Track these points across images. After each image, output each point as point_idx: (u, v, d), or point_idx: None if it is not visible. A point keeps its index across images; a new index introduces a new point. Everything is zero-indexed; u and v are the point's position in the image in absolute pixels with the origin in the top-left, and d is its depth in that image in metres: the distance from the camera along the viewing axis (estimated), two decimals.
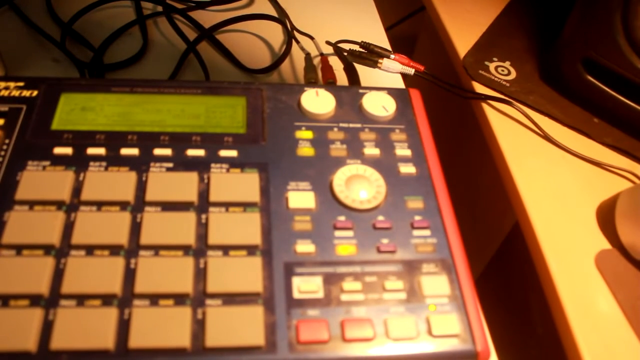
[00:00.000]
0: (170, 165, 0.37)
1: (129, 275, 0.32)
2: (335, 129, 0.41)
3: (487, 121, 0.54)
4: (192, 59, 0.56)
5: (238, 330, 0.31)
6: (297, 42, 0.58)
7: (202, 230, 0.35)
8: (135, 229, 0.34)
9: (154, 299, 0.32)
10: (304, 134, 0.41)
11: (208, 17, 0.60)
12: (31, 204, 0.34)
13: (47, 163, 0.36)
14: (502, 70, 0.59)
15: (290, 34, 0.59)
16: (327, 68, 0.54)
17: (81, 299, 0.31)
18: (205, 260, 0.33)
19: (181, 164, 0.38)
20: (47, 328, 0.30)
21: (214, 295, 0.32)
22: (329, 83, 0.52)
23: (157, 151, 0.38)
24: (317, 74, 0.54)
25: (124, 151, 0.38)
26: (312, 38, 0.59)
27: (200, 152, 0.38)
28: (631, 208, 0.44)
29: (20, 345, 0.29)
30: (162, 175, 0.37)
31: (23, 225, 0.33)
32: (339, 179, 0.38)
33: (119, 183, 0.36)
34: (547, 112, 0.55)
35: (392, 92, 0.44)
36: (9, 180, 0.35)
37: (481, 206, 0.72)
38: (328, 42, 0.58)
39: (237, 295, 0.32)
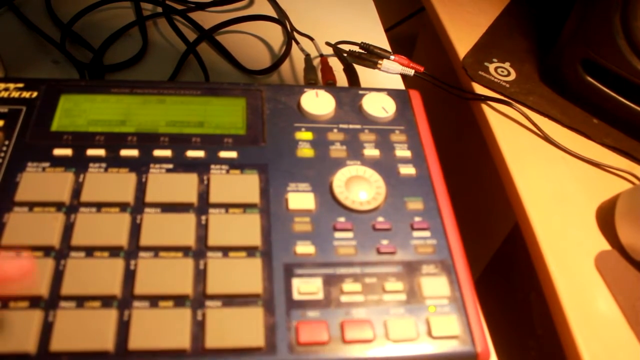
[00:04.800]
0: (170, 166, 0.37)
1: (129, 277, 0.32)
2: (335, 130, 0.41)
3: (487, 122, 0.55)
4: (191, 60, 0.56)
5: (238, 331, 0.31)
6: (297, 43, 0.58)
7: (202, 231, 0.35)
8: (135, 230, 0.34)
9: (154, 300, 0.32)
10: (304, 135, 0.41)
11: (208, 18, 0.61)
12: (31, 205, 0.34)
13: (46, 164, 0.36)
14: (502, 71, 0.59)
15: (290, 35, 0.59)
16: (327, 69, 0.54)
17: (81, 301, 0.31)
18: (205, 262, 0.33)
19: (181, 165, 0.38)
20: (46, 329, 0.30)
21: (213, 297, 0.32)
22: (329, 84, 0.52)
23: (157, 152, 0.38)
24: (317, 75, 0.54)
25: (124, 152, 0.38)
26: (311, 39, 0.59)
27: (200, 154, 0.38)
28: (631, 209, 0.44)
29: (20, 346, 0.29)
30: (162, 177, 0.37)
31: (23, 226, 0.33)
32: (339, 180, 0.38)
33: (118, 184, 0.36)
34: (546, 112, 0.55)
35: (391, 93, 0.44)
36: (8, 181, 0.35)
37: (481, 207, 0.72)
38: (328, 43, 0.58)
39: (237, 296, 0.32)
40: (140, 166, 0.37)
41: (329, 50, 0.58)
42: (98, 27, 0.57)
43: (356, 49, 0.57)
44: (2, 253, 0.32)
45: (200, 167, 0.38)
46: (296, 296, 0.33)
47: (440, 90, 0.56)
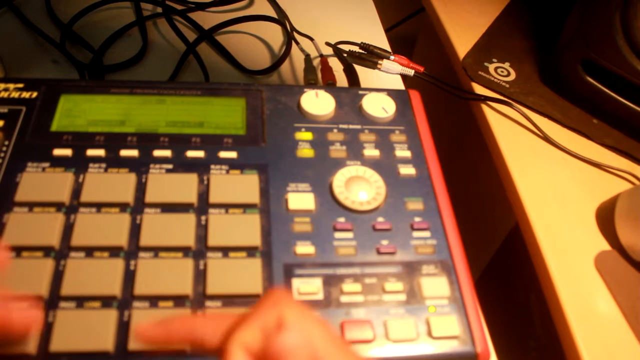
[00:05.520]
0: (170, 166, 0.37)
1: (129, 277, 0.32)
2: (335, 130, 0.41)
3: (487, 122, 0.55)
4: (191, 60, 0.56)
5: None
6: (297, 43, 0.58)
7: (202, 231, 0.35)
8: (135, 230, 0.34)
9: (154, 300, 0.32)
10: (304, 135, 0.41)
11: (207, 18, 0.60)
12: (31, 205, 0.34)
13: (46, 164, 0.36)
14: (502, 72, 0.59)
15: (289, 35, 0.59)
16: (327, 69, 0.54)
17: (81, 301, 0.31)
18: (205, 262, 0.33)
19: (181, 165, 0.38)
20: (46, 330, 0.30)
21: (213, 297, 0.32)
22: (329, 84, 0.52)
23: (157, 152, 0.38)
24: (317, 75, 0.54)
25: (124, 152, 0.38)
26: (311, 39, 0.59)
27: (200, 154, 0.38)
28: (631, 209, 0.44)
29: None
30: (162, 177, 0.37)
31: (23, 226, 0.33)
32: (339, 180, 0.38)
33: (118, 184, 0.36)
34: (546, 113, 0.55)
35: (391, 93, 0.44)
36: (8, 181, 0.35)
37: (481, 207, 0.72)
38: (328, 44, 0.58)
39: (237, 296, 0.32)
40: (140, 166, 0.37)
41: (328, 51, 0.58)
42: (98, 28, 0.57)
43: (356, 49, 0.57)
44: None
45: (200, 167, 0.38)
46: (296, 296, 0.33)
47: (440, 90, 0.56)
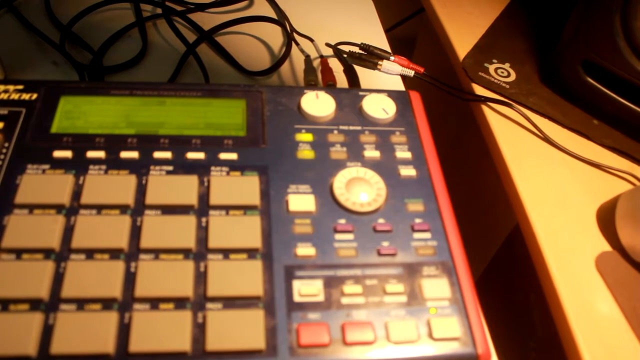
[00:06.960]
0: (170, 168, 0.37)
1: (129, 279, 0.32)
2: (336, 132, 0.41)
3: (487, 123, 0.55)
4: (191, 61, 0.55)
5: (239, 334, 0.31)
6: (297, 44, 0.58)
7: (203, 233, 0.35)
8: (135, 232, 0.34)
9: (155, 302, 0.32)
10: (304, 137, 0.41)
11: (207, 19, 0.60)
12: (31, 207, 0.34)
13: (46, 166, 0.36)
14: (502, 72, 0.59)
15: (289, 36, 0.59)
16: (327, 70, 0.54)
17: (81, 303, 0.31)
18: (206, 264, 0.33)
19: (181, 167, 0.38)
20: (47, 332, 0.30)
21: (214, 299, 0.32)
22: (329, 85, 0.52)
23: (157, 154, 0.38)
24: (317, 76, 0.54)
25: (124, 154, 0.38)
26: (311, 40, 0.59)
27: (200, 155, 0.38)
28: (631, 210, 0.44)
29: (20, 349, 0.29)
30: (162, 179, 0.37)
31: (23, 229, 0.33)
32: (339, 181, 0.38)
33: (118, 186, 0.36)
34: (547, 114, 0.55)
35: (392, 94, 0.44)
36: (8, 183, 0.35)
37: (481, 208, 0.72)
38: (328, 44, 0.58)
39: (238, 298, 0.32)
40: (140, 168, 0.37)
41: (329, 52, 0.58)
42: (98, 29, 0.57)
43: (356, 49, 0.57)
44: None
45: (201, 169, 0.38)
46: (297, 298, 0.33)
47: (440, 91, 0.56)
